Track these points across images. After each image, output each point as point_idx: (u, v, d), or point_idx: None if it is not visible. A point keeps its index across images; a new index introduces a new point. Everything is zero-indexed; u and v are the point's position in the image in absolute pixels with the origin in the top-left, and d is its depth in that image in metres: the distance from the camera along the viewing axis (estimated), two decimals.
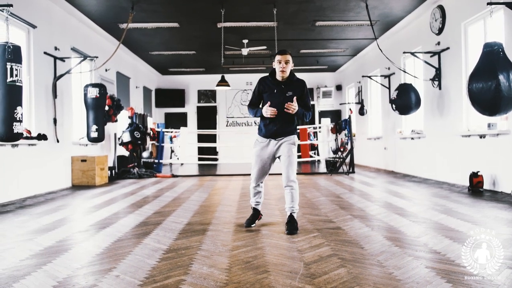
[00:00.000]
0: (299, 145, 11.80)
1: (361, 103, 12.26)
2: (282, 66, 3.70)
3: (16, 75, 4.76)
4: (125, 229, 3.92)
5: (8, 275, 2.60)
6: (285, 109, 3.64)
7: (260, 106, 3.92)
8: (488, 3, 5.11)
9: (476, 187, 6.04)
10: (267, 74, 3.93)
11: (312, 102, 15.80)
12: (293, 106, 3.64)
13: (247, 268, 2.65)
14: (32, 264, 2.82)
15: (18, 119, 4.81)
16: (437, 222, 4.01)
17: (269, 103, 3.70)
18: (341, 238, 3.40)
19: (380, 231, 3.65)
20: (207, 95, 15.99)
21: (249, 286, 2.32)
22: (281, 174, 3.82)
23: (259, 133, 3.90)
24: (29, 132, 6.37)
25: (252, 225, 3.97)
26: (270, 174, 4.16)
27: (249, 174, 9.66)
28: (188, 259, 2.85)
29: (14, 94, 4.77)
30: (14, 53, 4.72)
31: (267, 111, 3.68)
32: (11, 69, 4.70)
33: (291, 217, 3.74)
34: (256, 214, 4.03)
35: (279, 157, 3.85)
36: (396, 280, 2.39)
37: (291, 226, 3.65)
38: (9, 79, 4.69)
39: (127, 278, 2.49)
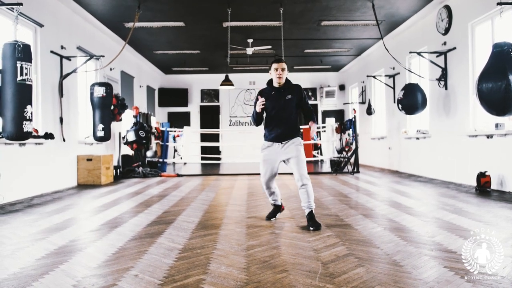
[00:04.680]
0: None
1: (368, 102, 12.25)
2: (279, 73, 3.91)
3: (26, 74, 4.75)
4: (137, 228, 3.92)
5: (26, 274, 2.60)
6: (311, 138, 4.06)
7: (264, 115, 4.09)
8: (498, 3, 5.12)
9: (483, 187, 6.04)
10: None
11: (315, 102, 15.82)
12: (313, 130, 3.97)
13: (265, 267, 2.65)
14: (48, 263, 2.82)
15: (27, 118, 4.81)
16: (449, 222, 4.01)
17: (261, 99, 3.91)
18: (355, 238, 3.41)
19: (393, 231, 3.65)
20: (210, 95, 15.99)
21: (270, 285, 2.32)
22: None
23: (264, 138, 4.07)
24: (36, 131, 6.36)
25: (272, 219, 4.20)
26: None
27: (254, 174, 9.78)
28: (205, 259, 2.85)
29: (24, 93, 4.77)
30: (24, 52, 4.72)
31: (258, 105, 3.90)
32: (21, 68, 4.70)
33: (310, 214, 3.86)
34: (277, 209, 4.28)
35: (284, 161, 4.00)
36: (416, 279, 2.39)
37: (315, 223, 3.79)
38: (19, 78, 4.69)
39: (146, 278, 2.49)
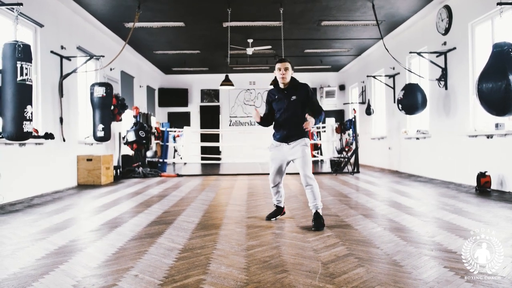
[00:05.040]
0: None
1: (367, 103, 12.26)
2: (282, 73, 3.94)
3: (26, 74, 4.75)
4: (137, 228, 3.92)
5: (26, 274, 2.60)
6: (305, 129, 3.86)
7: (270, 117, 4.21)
8: (498, 3, 5.12)
9: (483, 187, 6.04)
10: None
11: None
12: (310, 124, 3.82)
13: (265, 267, 2.65)
14: (48, 263, 2.82)
15: (28, 118, 4.81)
16: (449, 222, 4.01)
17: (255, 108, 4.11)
18: (355, 238, 3.41)
19: (393, 231, 3.65)
20: (210, 95, 15.99)
21: (270, 285, 2.32)
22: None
23: (273, 138, 4.13)
24: (36, 131, 6.36)
25: (272, 219, 4.22)
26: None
27: (254, 174, 9.78)
28: (205, 259, 2.85)
29: (24, 93, 4.77)
30: (24, 52, 4.72)
31: (253, 117, 4.09)
32: (21, 68, 4.70)
33: (316, 214, 3.87)
34: (278, 211, 4.29)
35: (293, 161, 4.03)
36: (416, 279, 2.39)
37: (318, 223, 3.79)
38: (19, 78, 4.69)
39: (146, 278, 2.49)
